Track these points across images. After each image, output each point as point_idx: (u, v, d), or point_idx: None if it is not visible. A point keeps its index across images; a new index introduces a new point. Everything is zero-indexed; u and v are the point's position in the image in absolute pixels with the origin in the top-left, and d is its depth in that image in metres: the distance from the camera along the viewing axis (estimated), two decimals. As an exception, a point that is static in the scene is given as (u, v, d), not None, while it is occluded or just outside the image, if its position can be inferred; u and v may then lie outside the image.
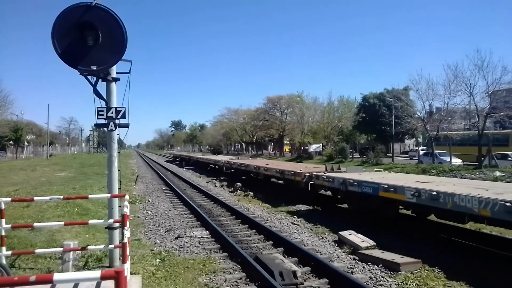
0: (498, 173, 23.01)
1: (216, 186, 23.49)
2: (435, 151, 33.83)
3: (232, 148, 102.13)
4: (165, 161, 62.14)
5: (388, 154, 47.70)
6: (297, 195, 16.02)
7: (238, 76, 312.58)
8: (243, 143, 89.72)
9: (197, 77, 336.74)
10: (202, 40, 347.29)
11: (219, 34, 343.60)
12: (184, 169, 40.72)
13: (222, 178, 26.60)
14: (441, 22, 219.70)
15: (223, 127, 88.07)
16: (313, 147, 54.66)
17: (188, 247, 9.20)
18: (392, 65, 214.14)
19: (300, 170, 15.77)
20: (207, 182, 25.69)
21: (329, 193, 15.89)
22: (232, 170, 27.62)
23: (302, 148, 62.72)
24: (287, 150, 71.77)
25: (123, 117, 6.57)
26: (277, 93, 70.55)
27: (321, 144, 53.29)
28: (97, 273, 2.41)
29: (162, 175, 30.57)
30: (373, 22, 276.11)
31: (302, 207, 14.99)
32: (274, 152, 72.91)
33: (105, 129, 6.63)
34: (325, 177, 13.83)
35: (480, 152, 29.13)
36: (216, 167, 33.15)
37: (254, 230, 10.86)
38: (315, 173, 14.80)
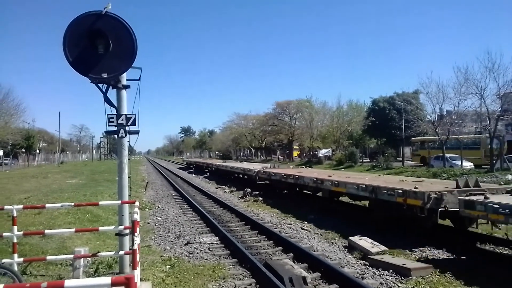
0: (510, 176, 22.77)
1: (225, 192, 23.51)
2: (446, 155, 33.54)
3: (241, 153, 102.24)
4: (178, 168, 58.66)
5: (398, 158, 47.43)
6: (402, 225, 10.88)
7: (246, 82, 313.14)
8: (252, 149, 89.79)
9: (206, 83, 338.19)
10: (211, 45, 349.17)
11: (228, 39, 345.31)
12: (200, 178, 35.10)
13: (256, 192, 20.79)
14: (450, 24, 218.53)
15: (232, 132, 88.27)
16: (322, 152, 54.53)
17: (197, 253, 9.21)
18: (402, 68, 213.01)
19: (416, 188, 9.69)
20: (216, 188, 25.71)
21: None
22: (268, 182, 21.74)
23: (312, 153, 62.60)
24: (295, 155, 71.65)
25: (133, 123, 6.64)
26: (286, 98, 70.79)
27: (331, 149, 53.12)
28: (107, 280, 2.44)
29: (172, 181, 30.66)
30: (383, 25, 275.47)
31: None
32: (283, 157, 72.80)
33: (116, 136, 6.70)
34: (491, 205, 7.57)
35: (492, 155, 28.85)
36: (245, 177, 26.39)
37: (264, 236, 10.84)
38: (463, 197, 8.65)
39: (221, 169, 34.28)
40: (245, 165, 33.22)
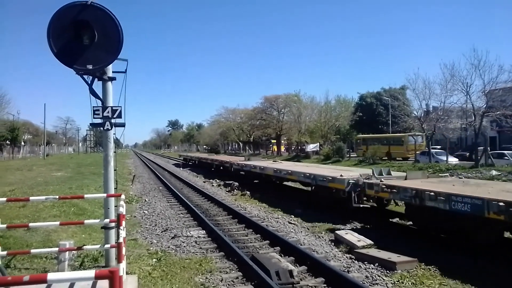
0: (494, 172, 23.11)
1: (213, 185, 23.47)
2: (432, 150, 33.92)
3: (229, 147, 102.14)
4: (173, 165, 49.67)
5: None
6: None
7: (235, 76, 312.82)
8: (240, 143, 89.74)
9: (194, 77, 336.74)
10: (198, 39, 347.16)
11: (216, 33, 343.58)
12: (188, 172, 33.14)
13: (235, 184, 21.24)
14: (438, 21, 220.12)
15: (220, 126, 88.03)
16: (310, 147, 54.69)
17: (184, 246, 9.20)
18: (389, 64, 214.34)
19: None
20: (204, 182, 25.66)
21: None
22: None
23: (299, 147, 62.78)
24: (281, 148, 72.08)
25: (119, 116, 6.56)
26: (274, 93, 70.91)
27: (318, 143, 53.30)
28: (91, 273, 2.41)
29: (159, 175, 30.51)
30: (370, 22, 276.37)
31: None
32: (271, 151, 72.92)
33: (101, 128, 6.63)
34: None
35: (476, 151, 29.26)
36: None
37: (251, 230, 10.86)
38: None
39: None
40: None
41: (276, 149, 71.24)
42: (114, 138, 7.01)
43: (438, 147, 45.16)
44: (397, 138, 44.01)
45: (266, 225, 11.21)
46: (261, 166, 20.49)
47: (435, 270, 7.24)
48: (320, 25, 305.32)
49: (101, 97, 6.62)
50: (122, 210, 5.11)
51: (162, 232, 10.92)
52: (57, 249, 6.08)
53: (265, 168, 19.67)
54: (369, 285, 6.61)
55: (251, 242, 9.60)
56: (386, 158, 40.86)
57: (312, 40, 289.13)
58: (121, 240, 4.84)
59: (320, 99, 58.56)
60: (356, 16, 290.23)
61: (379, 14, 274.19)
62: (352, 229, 10.38)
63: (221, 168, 29.81)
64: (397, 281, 6.73)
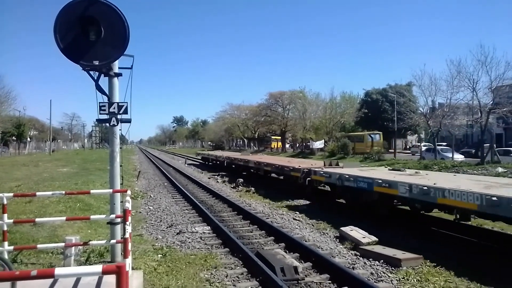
0: (500, 169, 22.98)
1: (218, 182, 23.51)
2: (438, 147, 33.77)
3: (234, 144, 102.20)
4: (188, 165, 41.44)
5: (390, 150, 47.68)
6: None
7: (240, 72, 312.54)
8: (245, 139, 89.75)
9: (199, 73, 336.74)
10: (203, 35, 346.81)
11: (221, 29, 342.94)
12: (219, 180, 24.47)
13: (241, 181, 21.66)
14: (444, 17, 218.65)
15: (225, 122, 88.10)
16: (316, 144, 54.64)
17: (189, 242, 9.22)
18: (395, 60, 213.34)
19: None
20: (209, 178, 25.71)
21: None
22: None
23: (304, 144, 62.72)
24: (277, 146, 72.69)
25: (125, 112, 6.57)
26: (279, 89, 70.69)
27: (323, 140, 53.25)
28: (98, 268, 2.41)
29: (164, 171, 30.59)
30: (376, 18, 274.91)
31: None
32: (273, 148, 72.92)
33: (107, 124, 6.64)
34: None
35: (482, 148, 29.10)
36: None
37: (256, 226, 10.87)
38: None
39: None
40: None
41: (275, 146, 71.50)
42: (120, 134, 7.02)
43: (444, 144, 45.03)
44: (359, 136, 50.38)
45: (271, 222, 11.21)
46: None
47: (441, 267, 7.21)
48: (325, 21, 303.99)
49: (107, 93, 6.63)
50: (128, 205, 5.13)
51: (167, 228, 10.95)
52: (63, 244, 6.11)
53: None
54: (374, 281, 6.59)
55: (256, 238, 9.61)
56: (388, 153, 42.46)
57: (318, 36, 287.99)
58: (127, 235, 4.86)
59: (325, 95, 58.53)
60: (362, 13, 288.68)
61: (385, 11, 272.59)
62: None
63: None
64: (402, 278, 6.71)
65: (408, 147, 63.63)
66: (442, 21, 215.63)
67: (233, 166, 28.26)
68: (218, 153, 41.15)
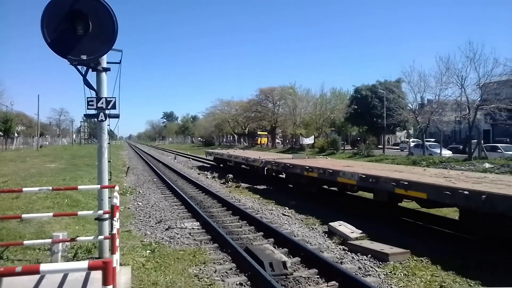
0: (487, 165, 23.27)
1: (207, 177, 23.48)
2: (426, 143, 34.09)
3: (224, 139, 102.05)
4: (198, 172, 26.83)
5: (379, 146, 48.04)
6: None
7: (230, 67, 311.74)
8: (235, 135, 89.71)
9: (189, 68, 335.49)
10: (193, 30, 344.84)
11: (211, 25, 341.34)
12: (208, 176, 23.94)
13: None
14: (434, 17, 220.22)
15: (216, 118, 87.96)
16: (306, 140, 54.81)
17: (178, 238, 9.20)
18: (385, 57, 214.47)
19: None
20: (199, 174, 25.66)
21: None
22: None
23: (294, 140, 62.89)
24: (263, 141, 73.62)
25: (114, 107, 6.51)
26: (269, 85, 70.99)
27: (313, 136, 53.43)
28: (84, 264, 2.41)
29: (153, 166, 30.45)
30: (367, 15, 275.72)
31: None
32: (265, 143, 73.04)
33: (96, 119, 6.58)
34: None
35: (470, 144, 29.44)
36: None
37: (245, 221, 10.89)
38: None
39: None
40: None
41: (261, 142, 72.08)
42: (108, 129, 6.98)
43: (432, 140, 45.45)
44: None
45: (260, 217, 11.22)
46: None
47: (427, 261, 7.29)
48: (316, 19, 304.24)
49: (95, 88, 6.57)
50: (116, 201, 5.11)
51: (156, 223, 10.91)
52: (50, 240, 6.07)
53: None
54: (362, 276, 6.65)
55: (245, 234, 9.62)
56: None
57: (309, 33, 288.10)
58: (114, 231, 4.85)
59: (315, 91, 58.93)
60: (352, 9, 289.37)
61: (375, 8, 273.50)
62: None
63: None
64: (390, 272, 6.78)
65: (397, 143, 64.13)
66: (432, 21, 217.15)
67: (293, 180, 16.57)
68: (247, 153, 29.54)
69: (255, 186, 18.47)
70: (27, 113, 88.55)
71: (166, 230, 10.06)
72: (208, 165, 32.43)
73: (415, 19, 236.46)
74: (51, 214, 6.37)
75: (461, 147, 39.99)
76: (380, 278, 6.58)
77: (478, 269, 6.87)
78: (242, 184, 19.01)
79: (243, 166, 24.13)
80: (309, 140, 54.72)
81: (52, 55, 5.84)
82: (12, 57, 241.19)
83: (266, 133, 75.96)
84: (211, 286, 6.19)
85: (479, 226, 7.85)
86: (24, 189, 6.60)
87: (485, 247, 8.09)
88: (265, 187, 18.45)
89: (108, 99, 6.47)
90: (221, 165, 29.48)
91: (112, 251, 4.84)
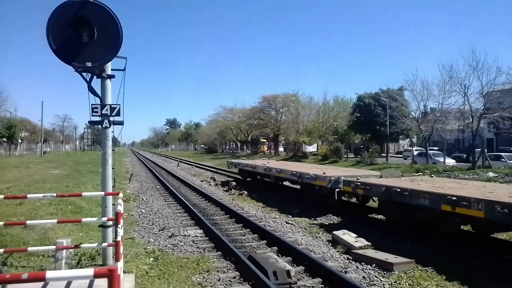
0: (491, 174, 23.14)
1: (210, 185, 23.45)
2: (429, 152, 33.99)
3: (227, 147, 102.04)
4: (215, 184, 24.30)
5: (382, 154, 47.86)
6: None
7: (233, 75, 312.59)
8: (238, 142, 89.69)
9: (193, 76, 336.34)
10: (197, 38, 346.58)
11: (214, 32, 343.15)
12: (212, 183, 23.74)
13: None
14: (437, 24, 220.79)
15: (218, 125, 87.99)
16: (309, 148, 54.74)
17: (182, 246, 9.17)
18: (388, 65, 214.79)
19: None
20: (202, 181, 25.64)
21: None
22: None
23: (297, 147, 62.85)
24: (264, 149, 73.90)
25: (118, 114, 6.53)
26: (272, 92, 70.76)
27: (316, 144, 53.39)
28: (90, 271, 2.39)
29: (156, 173, 30.47)
30: (369, 22, 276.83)
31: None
32: (269, 151, 73.01)
33: (100, 126, 6.60)
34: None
35: (473, 153, 29.33)
36: None
37: (249, 229, 10.85)
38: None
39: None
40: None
41: (263, 149, 72.30)
42: (112, 136, 6.99)
43: (436, 148, 45.30)
44: None
45: (264, 225, 11.19)
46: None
47: (432, 271, 7.24)
48: (319, 26, 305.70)
49: (100, 94, 6.60)
50: (120, 208, 5.10)
51: (159, 231, 10.89)
52: (54, 247, 6.06)
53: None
54: (366, 285, 6.61)
55: (248, 242, 9.59)
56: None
57: (312, 40, 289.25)
58: (119, 238, 4.83)
59: (318, 99, 58.80)
60: (355, 17, 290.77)
61: (379, 15, 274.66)
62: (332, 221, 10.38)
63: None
64: (394, 282, 6.73)
65: (400, 151, 63.96)
66: (435, 29, 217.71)
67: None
68: (299, 166, 21.77)
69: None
70: (30, 119, 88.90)
71: (169, 237, 10.03)
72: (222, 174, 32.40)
73: (418, 26, 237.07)
74: (55, 220, 6.37)
75: (464, 156, 39.81)
76: (384, 288, 6.53)
77: (483, 280, 6.82)
78: (245, 191, 18.95)
79: (285, 183, 19.04)
80: (312, 148, 54.64)
81: (56, 61, 5.87)
82: (17, 63, 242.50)
83: (265, 140, 76.21)
84: (214, 294, 6.15)
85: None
86: (28, 195, 6.60)
87: (490, 259, 8.03)
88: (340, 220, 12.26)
89: (112, 106, 6.49)
90: (249, 179, 23.46)
91: (116, 258, 4.82)
